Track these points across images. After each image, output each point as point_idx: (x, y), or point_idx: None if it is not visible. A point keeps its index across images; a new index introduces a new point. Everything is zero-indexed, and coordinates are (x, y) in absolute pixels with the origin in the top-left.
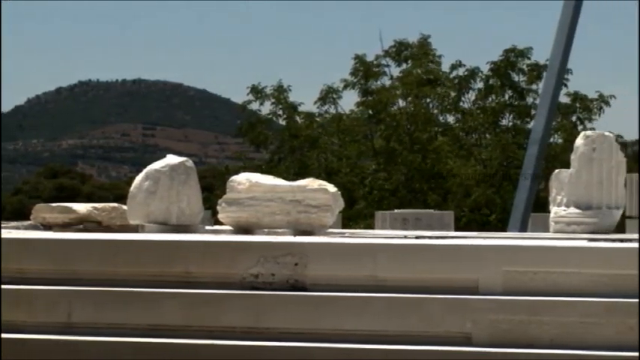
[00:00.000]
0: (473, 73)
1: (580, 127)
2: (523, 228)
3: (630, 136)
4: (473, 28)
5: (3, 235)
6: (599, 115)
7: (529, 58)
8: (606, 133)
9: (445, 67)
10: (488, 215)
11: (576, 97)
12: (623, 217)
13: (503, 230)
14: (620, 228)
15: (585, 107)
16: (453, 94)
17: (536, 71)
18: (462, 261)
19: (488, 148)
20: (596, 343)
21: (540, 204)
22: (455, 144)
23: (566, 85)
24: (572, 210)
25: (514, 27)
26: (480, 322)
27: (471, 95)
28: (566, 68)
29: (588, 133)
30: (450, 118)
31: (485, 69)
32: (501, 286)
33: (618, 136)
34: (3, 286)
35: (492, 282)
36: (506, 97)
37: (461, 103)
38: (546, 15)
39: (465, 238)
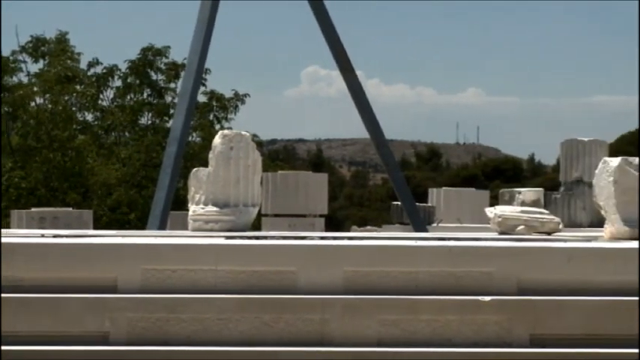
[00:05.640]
0: (111, 71)
1: (217, 126)
2: (162, 226)
3: (264, 134)
4: (110, 25)
5: None
6: (235, 113)
7: (167, 57)
8: (243, 132)
9: (84, 64)
10: (128, 214)
11: (213, 95)
12: (259, 215)
13: (144, 229)
14: (256, 226)
15: (222, 106)
16: (92, 91)
17: (174, 70)
18: (100, 259)
19: (127, 147)
20: (232, 339)
21: (179, 202)
22: (95, 142)
23: (204, 85)
24: (210, 208)
25: (152, 25)
26: (118, 320)
27: (110, 93)
28: (204, 67)
29: (226, 132)
30: (90, 117)
31: (123, 67)
32: (140, 284)
33: (254, 135)
34: None
35: (131, 280)
36: (145, 95)
37: (100, 102)
38: (183, 14)
39: (103, 237)
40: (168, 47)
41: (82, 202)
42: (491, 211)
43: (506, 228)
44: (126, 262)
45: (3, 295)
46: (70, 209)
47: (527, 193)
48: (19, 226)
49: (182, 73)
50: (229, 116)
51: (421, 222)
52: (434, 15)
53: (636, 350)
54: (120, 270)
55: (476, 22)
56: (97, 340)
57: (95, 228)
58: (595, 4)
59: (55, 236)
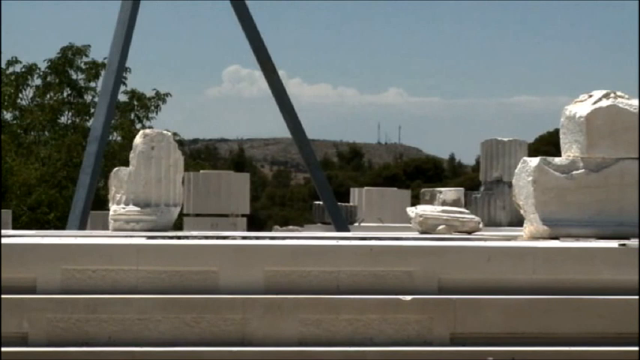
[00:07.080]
0: (30, 69)
1: (138, 125)
2: (82, 226)
3: (186, 134)
4: (29, 23)
5: None
6: (157, 112)
7: (87, 56)
8: (164, 132)
9: (2, 63)
10: (48, 214)
11: (134, 94)
12: (181, 214)
13: (64, 229)
14: (178, 225)
15: (143, 105)
16: (10, 90)
17: (94, 69)
18: (19, 260)
19: (47, 146)
20: (153, 339)
21: (100, 202)
22: (14, 142)
23: (124, 84)
24: (131, 208)
25: (72, 24)
26: (36, 321)
27: (29, 92)
28: (124, 66)
29: (147, 131)
30: (8, 115)
31: (43, 66)
32: (59, 284)
33: (175, 135)
34: None
35: (50, 281)
36: (65, 94)
37: (19, 100)
38: (104, 13)
39: (22, 237)
40: (89, 46)
41: (0, 202)
42: (412, 211)
43: (427, 227)
44: (45, 262)
45: None
46: None
47: (448, 192)
48: None
49: (102, 72)
50: (150, 115)
51: (343, 221)
52: (356, 15)
53: (558, 348)
54: (39, 270)
55: (398, 22)
56: (15, 341)
57: (14, 228)
58: (513, 5)
59: None
